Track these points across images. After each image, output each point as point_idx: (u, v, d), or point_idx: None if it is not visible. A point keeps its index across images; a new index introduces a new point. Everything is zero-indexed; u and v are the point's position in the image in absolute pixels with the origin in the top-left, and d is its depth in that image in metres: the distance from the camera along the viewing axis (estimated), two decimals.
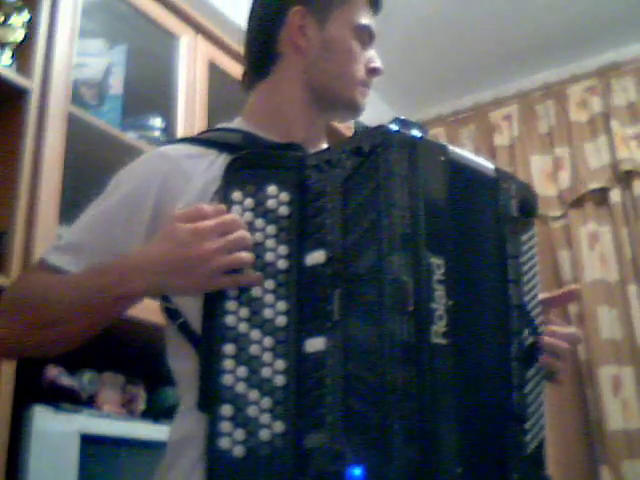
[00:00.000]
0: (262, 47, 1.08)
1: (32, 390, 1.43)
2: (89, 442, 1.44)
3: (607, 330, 2.88)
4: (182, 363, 0.94)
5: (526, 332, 0.91)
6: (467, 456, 0.78)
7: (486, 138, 3.41)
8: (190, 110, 1.97)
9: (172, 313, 0.95)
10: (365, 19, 1.08)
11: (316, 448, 0.76)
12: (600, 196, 3.07)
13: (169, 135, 1.94)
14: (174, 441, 0.91)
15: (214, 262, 0.82)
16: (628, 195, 3.01)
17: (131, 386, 1.74)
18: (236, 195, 0.86)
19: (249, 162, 0.88)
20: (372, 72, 1.09)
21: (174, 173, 0.96)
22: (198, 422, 0.83)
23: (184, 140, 1.09)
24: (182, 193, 0.94)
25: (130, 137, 1.84)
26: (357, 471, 0.73)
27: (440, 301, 0.80)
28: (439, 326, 0.79)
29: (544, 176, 3.22)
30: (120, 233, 0.94)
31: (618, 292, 2.93)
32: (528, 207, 0.95)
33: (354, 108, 1.08)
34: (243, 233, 0.84)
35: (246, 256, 0.83)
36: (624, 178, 3.02)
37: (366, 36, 1.08)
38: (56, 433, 1.40)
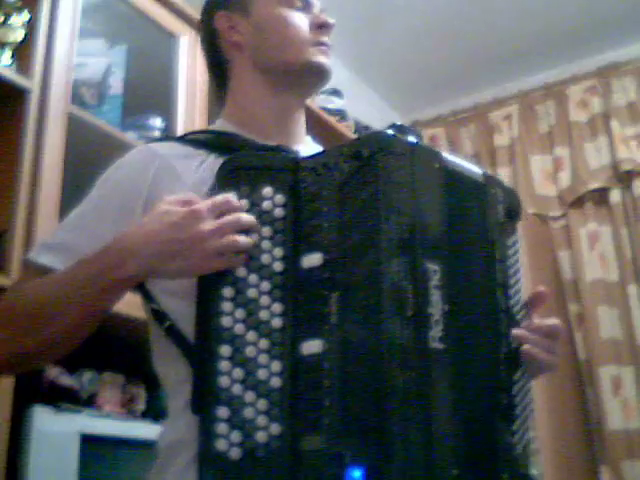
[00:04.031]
0: (214, 64, 1.12)
1: (32, 390, 1.43)
2: (89, 442, 1.44)
3: (607, 330, 2.88)
4: (170, 367, 0.92)
5: None
6: (462, 457, 0.78)
7: (486, 138, 3.41)
8: (190, 110, 1.96)
9: (159, 315, 0.91)
10: None
11: (314, 450, 0.75)
12: (600, 196, 3.07)
13: (169, 135, 1.94)
14: (165, 444, 0.89)
15: (208, 245, 0.80)
16: (628, 195, 3.02)
17: (131, 386, 1.74)
18: (231, 196, 0.85)
19: (243, 163, 0.87)
20: (321, 27, 1.06)
21: (164, 171, 0.96)
22: (190, 425, 0.81)
23: (172, 139, 1.08)
24: (171, 192, 0.91)
25: (130, 137, 1.84)
26: (357, 473, 0.72)
27: (437, 306, 0.81)
28: (436, 331, 0.80)
29: (544, 176, 3.22)
30: (110, 227, 0.92)
31: (618, 292, 2.93)
32: (514, 212, 0.98)
33: (315, 69, 1.04)
34: (238, 215, 0.83)
35: (241, 239, 0.82)
36: (624, 178, 3.03)
37: (295, 1, 1.06)
38: (56, 433, 1.39)
